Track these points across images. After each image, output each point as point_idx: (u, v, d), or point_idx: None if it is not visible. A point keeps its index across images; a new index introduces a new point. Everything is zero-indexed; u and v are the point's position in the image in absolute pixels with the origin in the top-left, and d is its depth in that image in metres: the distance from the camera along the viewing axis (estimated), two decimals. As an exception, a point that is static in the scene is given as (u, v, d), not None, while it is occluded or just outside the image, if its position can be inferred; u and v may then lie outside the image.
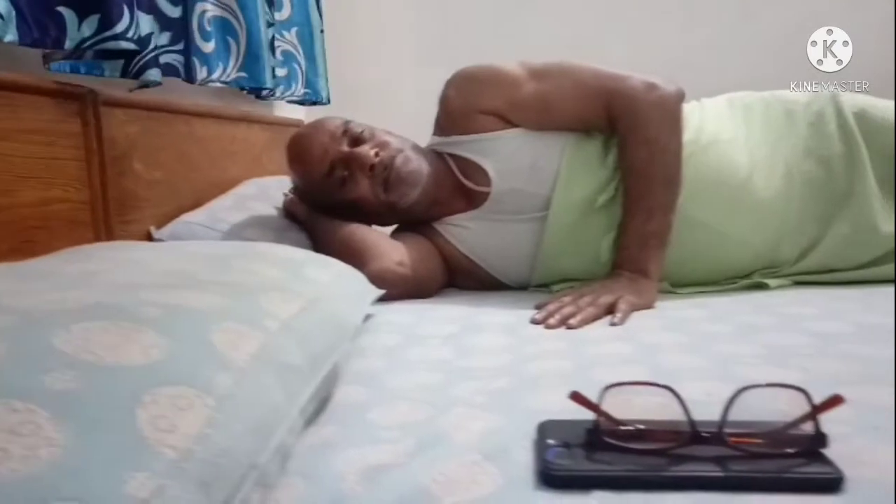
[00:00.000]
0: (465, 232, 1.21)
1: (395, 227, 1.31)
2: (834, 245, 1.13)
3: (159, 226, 1.20)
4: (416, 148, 1.23)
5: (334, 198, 1.19)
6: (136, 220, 1.15)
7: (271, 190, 1.43)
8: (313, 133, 1.21)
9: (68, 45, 0.98)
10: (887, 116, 1.16)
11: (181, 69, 1.35)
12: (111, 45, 1.00)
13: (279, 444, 0.44)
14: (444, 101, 1.23)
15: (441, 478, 0.45)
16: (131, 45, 1.02)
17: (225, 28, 1.49)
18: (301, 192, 1.29)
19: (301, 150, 1.21)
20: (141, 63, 1.10)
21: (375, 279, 1.01)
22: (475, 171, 1.19)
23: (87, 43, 0.99)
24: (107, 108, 1.08)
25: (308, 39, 1.93)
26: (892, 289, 1.00)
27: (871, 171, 1.13)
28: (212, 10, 1.41)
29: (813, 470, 0.42)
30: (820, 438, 0.45)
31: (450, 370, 0.71)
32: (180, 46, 1.39)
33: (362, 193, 1.17)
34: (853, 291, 1.06)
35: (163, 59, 1.35)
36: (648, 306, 0.99)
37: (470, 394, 0.62)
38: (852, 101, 1.18)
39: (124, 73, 1.10)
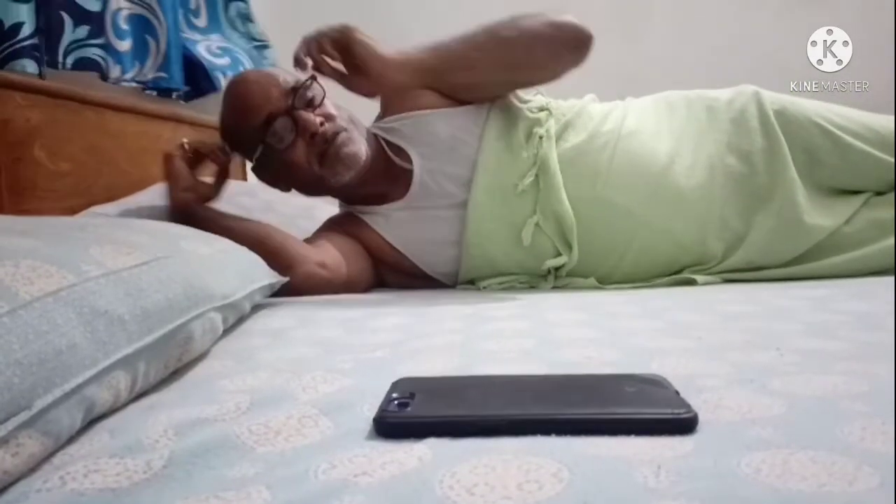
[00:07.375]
0: (390, 221, 1.17)
1: (320, 224, 1.26)
2: (760, 239, 1.11)
3: (64, 219, 1.14)
4: (360, 129, 1.17)
5: (265, 151, 1.11)
6: (37, 210, 1.09)
7: (197, 188, 1.38)
8: (260, 78, 1.13)
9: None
10: (806, 114, 1.16)
11: (102, 64, 1.31)
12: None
13: (78, 394, 0.39)
14: None
15: (259, 429, 0.41)
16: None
17: (143, 26, 1.45)
18: (225, 132, 1.17)
19: (240, 93, 1.12)
20: (8, 51, 1.04)
21: (301, 285, 1.00)
22: (400, 155, 1.17)
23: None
24: (1, 90, 1.03)
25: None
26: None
27: (793, 166, 1.13)
28: (127, 8, 1.37)
29: (664, 411, 0.39)
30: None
31: (331, 345, 0.66)
32: (101, 41, 1.34)
33: (297, 159, 1.10)
34: (777, 284, 1.05)
35: (81, 54, 1.31)
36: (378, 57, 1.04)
37: (339, 362, 0.58)
38: (773, 98, 1.18)
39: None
